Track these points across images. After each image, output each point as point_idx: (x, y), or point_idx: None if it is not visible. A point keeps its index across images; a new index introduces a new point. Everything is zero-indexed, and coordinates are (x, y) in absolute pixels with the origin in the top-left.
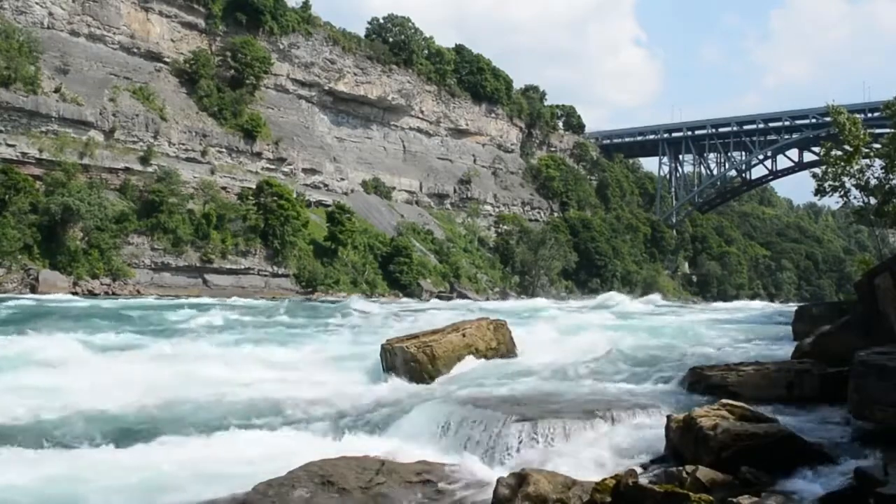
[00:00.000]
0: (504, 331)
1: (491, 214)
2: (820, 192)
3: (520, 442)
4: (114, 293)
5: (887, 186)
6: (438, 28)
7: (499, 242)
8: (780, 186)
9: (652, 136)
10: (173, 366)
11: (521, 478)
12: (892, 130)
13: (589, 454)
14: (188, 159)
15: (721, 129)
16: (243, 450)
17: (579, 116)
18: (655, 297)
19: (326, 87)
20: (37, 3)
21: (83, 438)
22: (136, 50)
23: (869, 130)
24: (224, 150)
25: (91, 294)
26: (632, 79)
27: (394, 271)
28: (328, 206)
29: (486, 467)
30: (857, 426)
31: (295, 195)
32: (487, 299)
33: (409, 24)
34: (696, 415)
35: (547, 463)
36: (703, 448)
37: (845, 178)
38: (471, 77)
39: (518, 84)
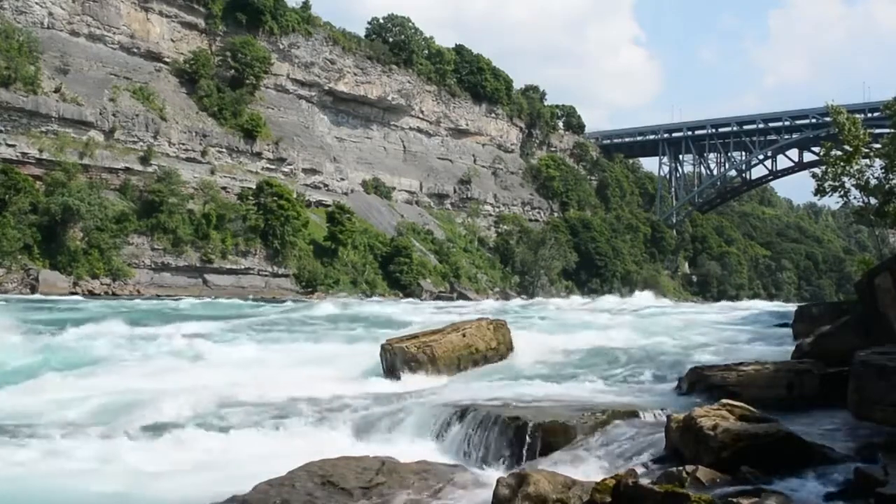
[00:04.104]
0: (504, 331)
1: (491, 214)
2: (820, 192)
3: (520, 442)
4: (114, 293)
5: (887, 186)
6: (437, 28)
7: (499, 242)
8: (780, 186)
9: (652, 136)
10: (178, 364)
11: (521, 478)
12: (892, 130)
13: (589, 454)
14: (188, 159)
15: (721, 129)
16: (243, 449)
17: (579, 116)
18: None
19: (326, 87)
20: (37, 3)
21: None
22: (136, 50)
23: (869, 130)
24: (224, 150)
25: (91, 294)
26: (631, 79)
27: (394, 271)
28: (328, 206)
29: (486, 467)
30: (856, 426)
31: (295, 195)
32: (487, 299)
33: (409, 24)
34: (696, 415)
35: (547, 463)
36: (703, 448)
37: (845, 178)
38: (471, 77)
39: (518, 84)
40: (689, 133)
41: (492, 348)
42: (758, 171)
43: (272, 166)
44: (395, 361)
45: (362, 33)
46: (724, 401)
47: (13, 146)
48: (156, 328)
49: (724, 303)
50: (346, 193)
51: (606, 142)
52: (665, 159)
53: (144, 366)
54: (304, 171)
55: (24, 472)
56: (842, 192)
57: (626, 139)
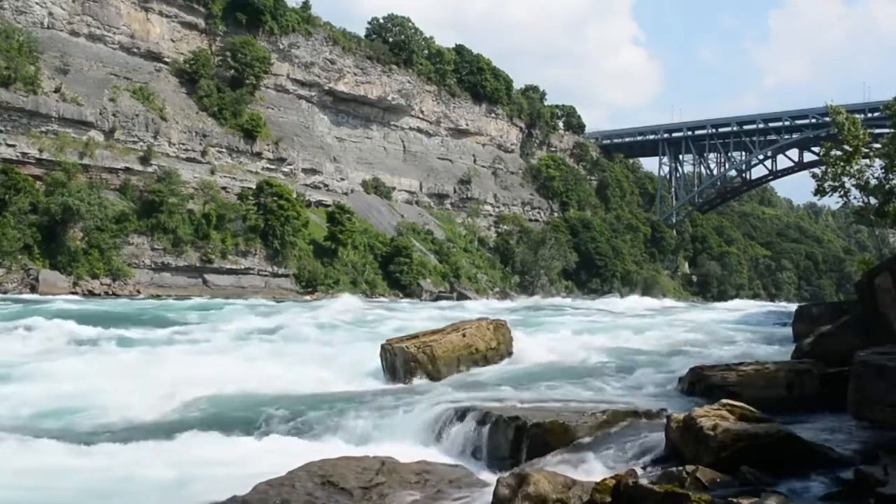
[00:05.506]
0: (504, 331)
1: (491, 214)
2: (820, 192)
3: (519, 442)
4: (114, 293)
5: (887, 186)
6: (437, 28)
7: (499, 242)
8: (780, 186)
9: (652, 136)
10: (177, 365)
11: (521, 478)
12: (892, 130)
13: (588, 454)
14: (188, 159)
15: (721, 129)
16: (243, 449)
17: (579, 116)
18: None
19: (326, 87)
20: (37, 3)
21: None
22: (136, 50)
23: (869, 130)
24: (224, 150)
25: (91, 294)
26: (631, 79)
27: (394, 271)
28: (328, 206)
29: (486, 467)
30: (857, 426)
31: (295, 195)
32: (488, 299)
33: (409, 24)
34: (696, 415)
35: (547, 463)
36: (703, 448)
37: (845, 178)
38: (471, 77)
39: (518, 84)
40: (689, 133)
41: (492, 348)
42: (758, 171)
43: (272, 166)
44: (395, 361)
45: (362, 33)
46: (724, 401)
47: (13, 146)
48: None
49: (734, 303)
50: (346, 193)
51: (606, 142)
52: (665, 159)
53: None
54: (304, 171)
55: None
56: (842, 192)
57: (626, 139)
